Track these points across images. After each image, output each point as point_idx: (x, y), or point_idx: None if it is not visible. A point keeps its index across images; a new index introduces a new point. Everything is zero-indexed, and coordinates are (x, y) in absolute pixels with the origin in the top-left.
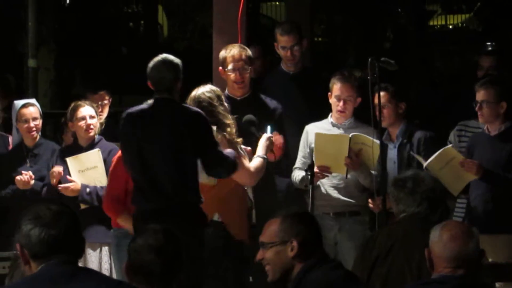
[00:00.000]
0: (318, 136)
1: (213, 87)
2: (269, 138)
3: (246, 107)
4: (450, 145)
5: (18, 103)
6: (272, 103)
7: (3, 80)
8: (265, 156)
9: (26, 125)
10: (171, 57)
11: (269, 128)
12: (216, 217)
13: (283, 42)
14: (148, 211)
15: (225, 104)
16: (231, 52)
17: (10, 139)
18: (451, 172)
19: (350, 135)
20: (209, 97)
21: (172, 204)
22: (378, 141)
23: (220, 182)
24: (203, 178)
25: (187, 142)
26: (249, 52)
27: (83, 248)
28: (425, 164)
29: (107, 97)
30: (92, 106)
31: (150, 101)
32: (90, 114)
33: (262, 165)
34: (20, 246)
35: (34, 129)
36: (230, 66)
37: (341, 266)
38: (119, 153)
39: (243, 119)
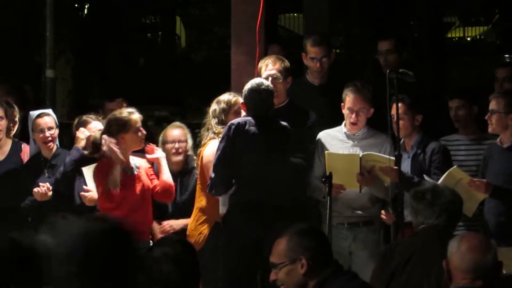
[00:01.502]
0: (329, 155)
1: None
2: None
3: (280, 116)
4: (455, 166)
5: (34, 113)
6: (306, 112)
7: (20, 91)
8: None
9: (41, 135)
10: (266, 82)
11: None
12: None
13: (312, 53)
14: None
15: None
16: (265, 62)
17: (24, 146)
18: (461, 192)
19: (360, 155)
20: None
21: None
22: (393, 158)
23: None
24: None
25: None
26: (286, 63)
27: None
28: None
29: (124, 105)
30: (99, 120)
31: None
32: (98, 129)
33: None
34: None
35: (49, 138)
36: (263, 75)
37: (357, 277)
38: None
39: None
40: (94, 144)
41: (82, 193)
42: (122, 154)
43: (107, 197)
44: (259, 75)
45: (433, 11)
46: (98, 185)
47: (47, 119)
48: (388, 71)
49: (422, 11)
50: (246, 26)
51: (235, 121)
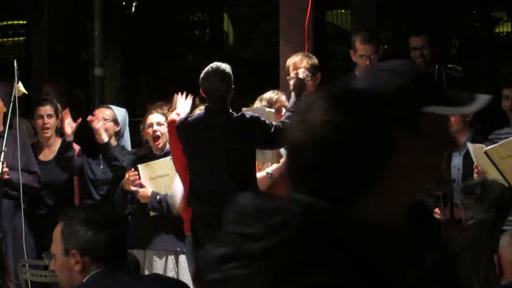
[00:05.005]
0: None
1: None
2: None
3: None
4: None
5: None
6: None
7: (71, 93)
8: (270, 173)
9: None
10: (222, 65)
11: None
12: None
13: (362, 51)
14: (203, 214)
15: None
16: (293, 60)
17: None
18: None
19: None
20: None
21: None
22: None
23: None
24: (268, 158)
25: (238, 147)
26: (314, 60)
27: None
28: (486, 148)
29: (165, 107)
30: (163, 113)
31: (202, 109)
32: (157, 121)
33: (261, 180)
34: (79, 252)
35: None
36: (292, 74)
37: None
38: None
39: None
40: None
41: (137, 188)
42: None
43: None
44: (287, 75)
45: (482, 6)
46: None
47: (108, 111)
48: (436, 66)
49: (471, 6)
50: (294, 22)
51: (182, 117)
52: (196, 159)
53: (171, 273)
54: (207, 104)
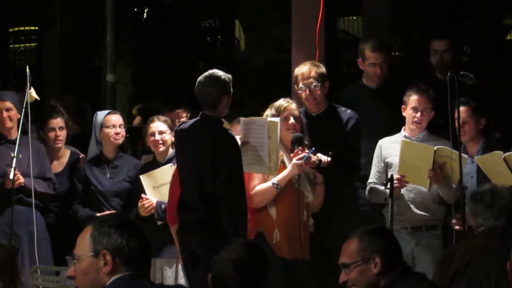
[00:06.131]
0: (404, 143)
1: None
2: (298, 165)
3: (321, 122)
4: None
5: (102, 112)
6: (346, 114)
7: (79, 108)
8: (276, 183)
9: (113, 130)
10: (219, 72)
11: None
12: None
13: (373, 59)
14: (187, 223)
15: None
16: (300, 70)
17: (81, 156)
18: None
19: (435, 147)
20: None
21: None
22: (465, 155)
23: None
24: (265, 169)
25: (209, 160)
26: (322, 69)
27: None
28: (504, 155)
29: (184, 114)
30: (166, 121)
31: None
32: (159, 130)
33: (267, 190)
34: (110, 253)
35: (120, 135)
36: (300, 84)
37: (426, 278)
38: None
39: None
40: None
41: (140, 203)
42: None
43: None
44: (296, 84)
45: (493, 13)
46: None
47: (118, 117)
48: (449, 73)
49: (482, 13)
50: (306, 29)
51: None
52: (180, 166)
53: (181, 280)
54: (202, 112)
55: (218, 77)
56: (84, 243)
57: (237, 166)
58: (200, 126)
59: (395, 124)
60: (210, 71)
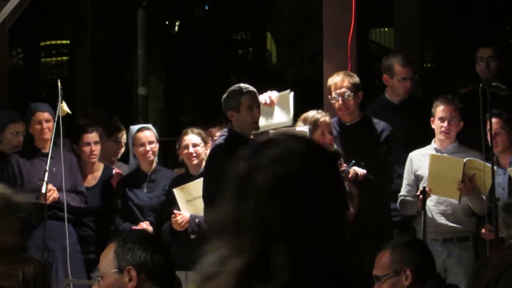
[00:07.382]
0: (433, 157)
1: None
2: None
3: (355, 132)
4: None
5: (134, 127)
6: (380, 125)
7: (110, 121)
8: None
9: (142, 149)
10: (241, 85)
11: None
12: None
13: (404, 74)
14: None
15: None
16: (334, 80)
17: (115, 171)
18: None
19: (464, 160)
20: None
21: None
22: (496, 168)
23: None
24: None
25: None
26: (355, 78)
27: None
28: None
29: (217, 134)
30: (200, 134)
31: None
32: (193, 143)
33: None
34: (135, 268)
35: (150, 152)
36: (333, 94)
37: None
38: None
39: None
40: None
41: (173, 218)
42: None
43: None
44: (329, 94)
45: None
46: None
47: (148, 133)
48: (480, 84)
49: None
50: (337, 41)
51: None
52: None
53: None
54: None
55: (233, 89)
56: (108, 259)
57: None
58: (229, 139)
59: (418, 140)
60: (237, 86)
